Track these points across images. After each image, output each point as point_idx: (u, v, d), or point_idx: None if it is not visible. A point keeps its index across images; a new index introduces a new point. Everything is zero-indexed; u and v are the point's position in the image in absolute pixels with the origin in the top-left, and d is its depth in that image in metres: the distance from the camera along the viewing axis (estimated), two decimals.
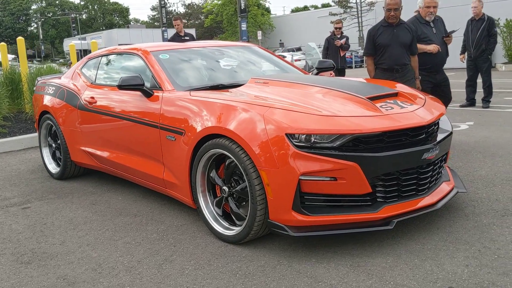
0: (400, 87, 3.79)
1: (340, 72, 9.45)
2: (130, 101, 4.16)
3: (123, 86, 3.90)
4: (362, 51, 34.53)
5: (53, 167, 5.44)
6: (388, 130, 3.05)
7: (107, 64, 4.87)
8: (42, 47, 55.40)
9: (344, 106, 3.20)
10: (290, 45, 48.59)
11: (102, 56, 4.98)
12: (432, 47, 5.53)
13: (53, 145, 5.42)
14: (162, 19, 38.65)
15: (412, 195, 3.23)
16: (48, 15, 70.88)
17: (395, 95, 3.53)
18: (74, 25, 54.45)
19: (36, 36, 66.85)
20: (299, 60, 33.12)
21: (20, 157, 6.68)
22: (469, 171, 4.68)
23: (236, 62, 4.68)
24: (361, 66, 33.47)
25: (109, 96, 4.48)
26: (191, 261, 3.10)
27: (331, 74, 6.09)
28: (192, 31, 50.87)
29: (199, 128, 3.40)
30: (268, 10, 62.82)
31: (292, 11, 78.74)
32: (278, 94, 3.50)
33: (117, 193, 4.69)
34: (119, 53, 4.71)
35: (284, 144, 2.93)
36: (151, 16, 70.15)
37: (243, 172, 3.09)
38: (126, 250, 3.35)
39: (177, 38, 9.17)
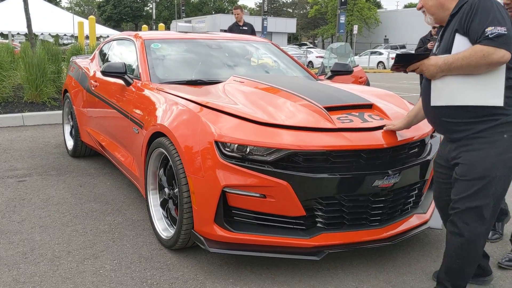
0: (382, 98, 3.34)
1: None
2: (115, 88, 4.13)
3: (106, 72, 3.86)
4: None
5: (70, 144, 5.61)
6: (332, 149, 2.69)
7: (114, 48, 4.88)
8: (154, 27, 58.68)
9: (294, 115, 2.87)
10: (395, 42, 46.50)
11: (113, 40, 5.00)
12: None
13: (71, 123, 5.59)
14: (264, 7, 38.75)
15: (361, 225, 2.84)
16: None
17: (368, 107, 3.10)
18: (183, 7, 56.82)
19: (151, 16, 70.52)
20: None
21: (59, 131, 6.99)
22: None
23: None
24: None
25: (105, 81, 4.48)
26: (114, 261, 2.98)
27: (361, 78, 5.54)
28: (293, 21, 50.66)
29: (151, 124, 3.26)
30: (378, 4, 60.63)
31: (405, 6, 75.19)
32: (241, 95, 3.25)
33: (110, 177, 4.71)
34: (124, 39, 4.69)
35: (211, 151, 2.70)
36: (257, 4, 70.90)
37: (175, 176, 2.91)
38: (68, 238, 3.32)
39: (235, 28, 9.06)
